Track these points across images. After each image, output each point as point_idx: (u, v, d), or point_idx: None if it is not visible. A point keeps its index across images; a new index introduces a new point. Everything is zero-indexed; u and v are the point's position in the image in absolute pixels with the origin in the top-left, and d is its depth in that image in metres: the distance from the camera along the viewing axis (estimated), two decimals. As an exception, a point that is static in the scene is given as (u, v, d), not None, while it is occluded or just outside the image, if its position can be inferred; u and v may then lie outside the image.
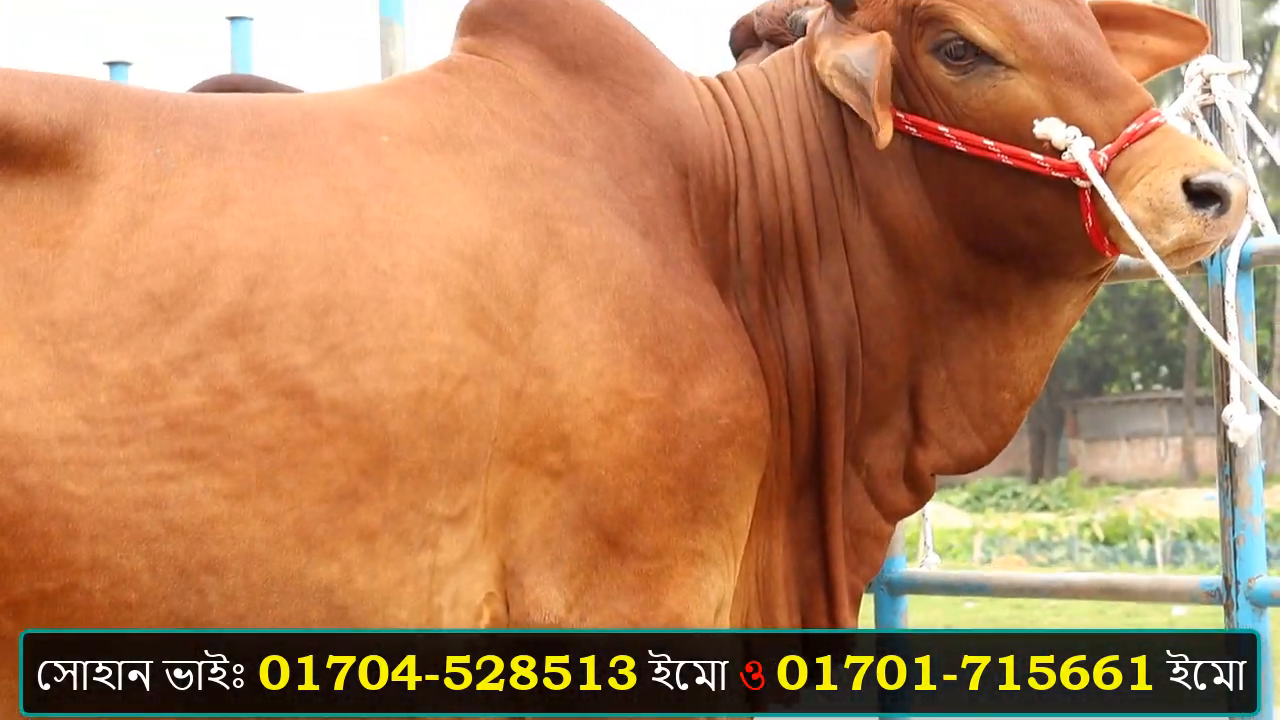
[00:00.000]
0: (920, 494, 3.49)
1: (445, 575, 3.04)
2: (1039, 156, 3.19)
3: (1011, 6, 3.23)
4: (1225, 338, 3.54)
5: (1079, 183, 3.17)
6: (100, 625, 2.85)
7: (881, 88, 3.18)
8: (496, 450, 3.05)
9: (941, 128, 3.26)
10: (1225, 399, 3.57)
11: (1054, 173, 3.19)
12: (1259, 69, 54.11)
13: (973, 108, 3.25)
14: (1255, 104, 51.39)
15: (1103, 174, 3.14)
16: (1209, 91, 3.64)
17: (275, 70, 4.77)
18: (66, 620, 2.83)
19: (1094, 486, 45.48)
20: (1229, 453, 3.68)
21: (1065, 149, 3.16)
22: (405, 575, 3.01)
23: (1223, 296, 3.60)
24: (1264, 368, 50.98)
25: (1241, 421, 3.52)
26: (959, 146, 3.25)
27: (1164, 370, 57.07)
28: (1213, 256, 3.62)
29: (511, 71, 3.33)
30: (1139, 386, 57.97)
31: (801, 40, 3.50)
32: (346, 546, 2.95)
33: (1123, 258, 3.43)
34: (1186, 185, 3.11)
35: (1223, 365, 3.58)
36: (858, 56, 3.22)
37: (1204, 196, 3.10)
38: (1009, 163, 3.22)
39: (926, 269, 3.35)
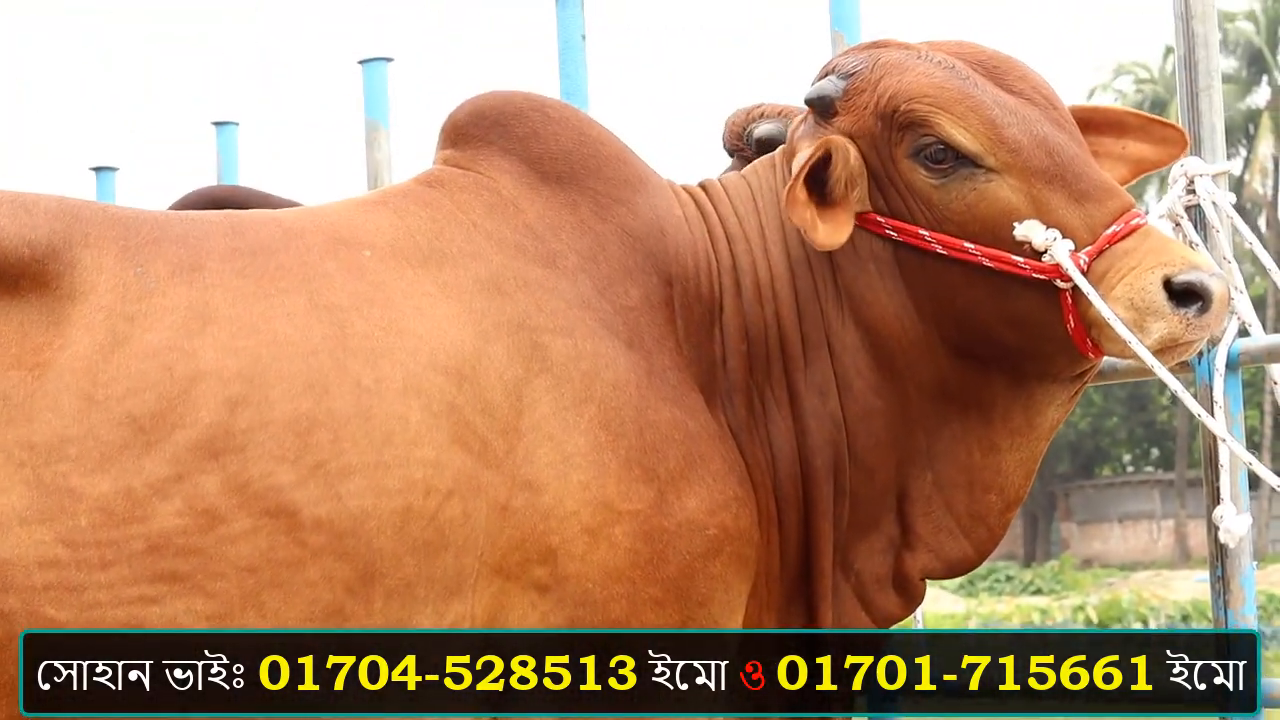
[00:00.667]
0: (910, 599, 3.46)
1: None
2: (1020, 259, 3.20)
3: (991, 110, 3.24)
4: (1217, 441, 3.53)
5: (1060, 284, 3.18)
6: None
7: (815, 190, 3.22)
8: (483, 565, 3.03)
9: (922, 231, 3.27)
10: (1216, 499, 3.54)
11: (1035, 274, 3.19)
12: (1243, 151, 54.52)
13: (953, 210, 3.25)
14: (1240, 185, 51.76)
15: (1084, 275, 3.14)
16: (1193, 192, 3.62)
17: (262, 173, 4.78)
18: None
19: (1087, 569, 45.49)
20: (1220, 554, 3.65)
21: (1046, 251, 3.17)
22: None
23: (1211, 396, 3.57)
24: (1254, 448, 51.23)
25: (1232, 523, 3.50)
26: (939, 250, 3.25)
27: (1155, 452, 57.21)
28: (1200, 356, 3.60)
29: (494, 183, 3.33)
30: (1130, 469, 58.10)
31: (783, 146, 3.50)
32: None
33: (1112, 359, 3.44)
34: (1168, 284, 3.11)
35: (1213, 464, 3.56)
36: (798, 159, 3.24)
37: (1185, 296, 3.11)
38: (990, 265, 3.22)
39: (911, 372, 3.34)
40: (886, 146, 3.29)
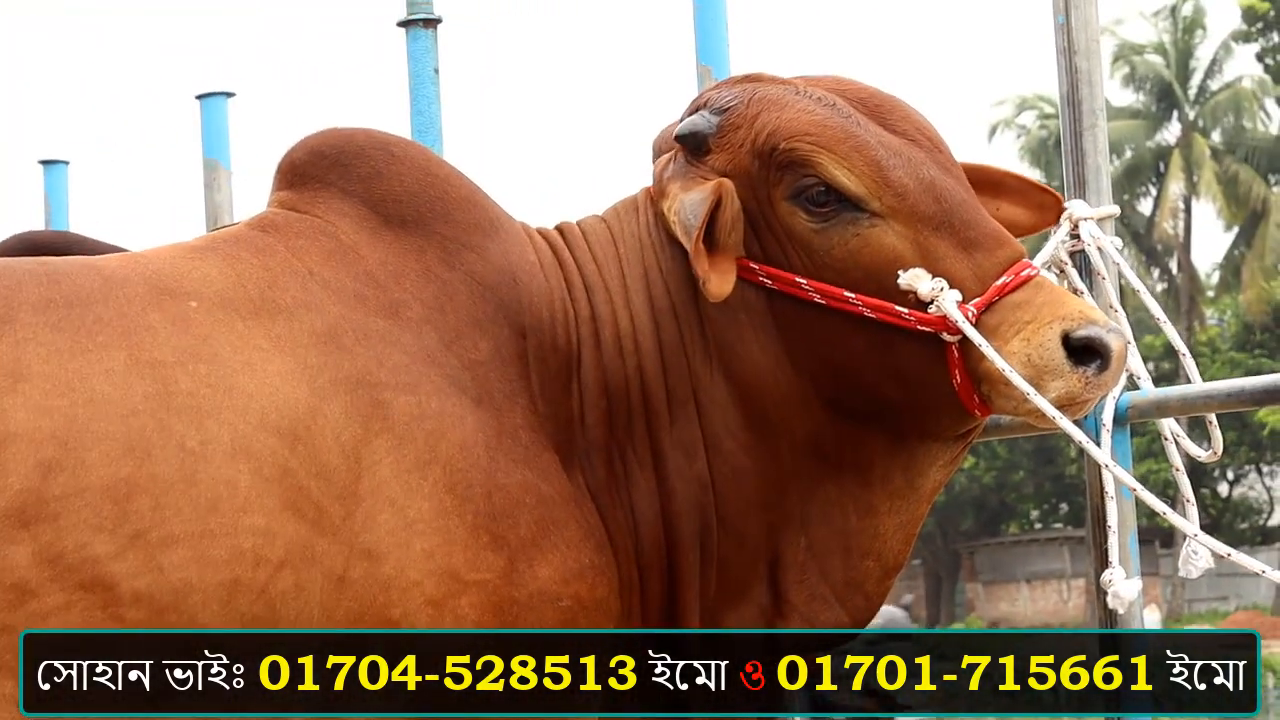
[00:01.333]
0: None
1: None
2: (904, 309, 3.20)
3: (876, 151, 3.25)
4: (1103, 498, 3.57)
5: (946, 337, 3.18)
6: None
7: (703, 237, 3.19)
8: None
9: (799, 279, 3.26)
10: (1104, 562, 3.59)
11: (920, 326, 3.19)
12: (1153, 190, 54.97)
13: (835, 257, 3.25)
14: (1151, 225, 52.28)
15: (974, 326, 3.15)
16: (1077, 237, 3.66)
17: (94, 215, 4.75)
18: None
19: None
20: (1109, 620, 3.69)
21: (932, 301, 3.17)
22: None
23: (1099, 454, 3.59)
24: (1169, 501, 51.49)
25: (1121, 586, 3.55)
26: (817, 299, 3.25)
27: (1064, 508, 57.54)
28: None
29: (333, 228, 3.31)
30: (1039, 525, 58.41)
31: (646, 186, 3.50)
32: None
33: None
34: (1066, 340, 3.14)
35: (1101, 524, 3.60)
36: (691, 203, 3.22)
37: (1083, 352, 3.14)
38: (871, 315, 3.22)
39: (785, 429, 3.33)
40: (764, 187, 3.29)
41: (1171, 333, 3.52)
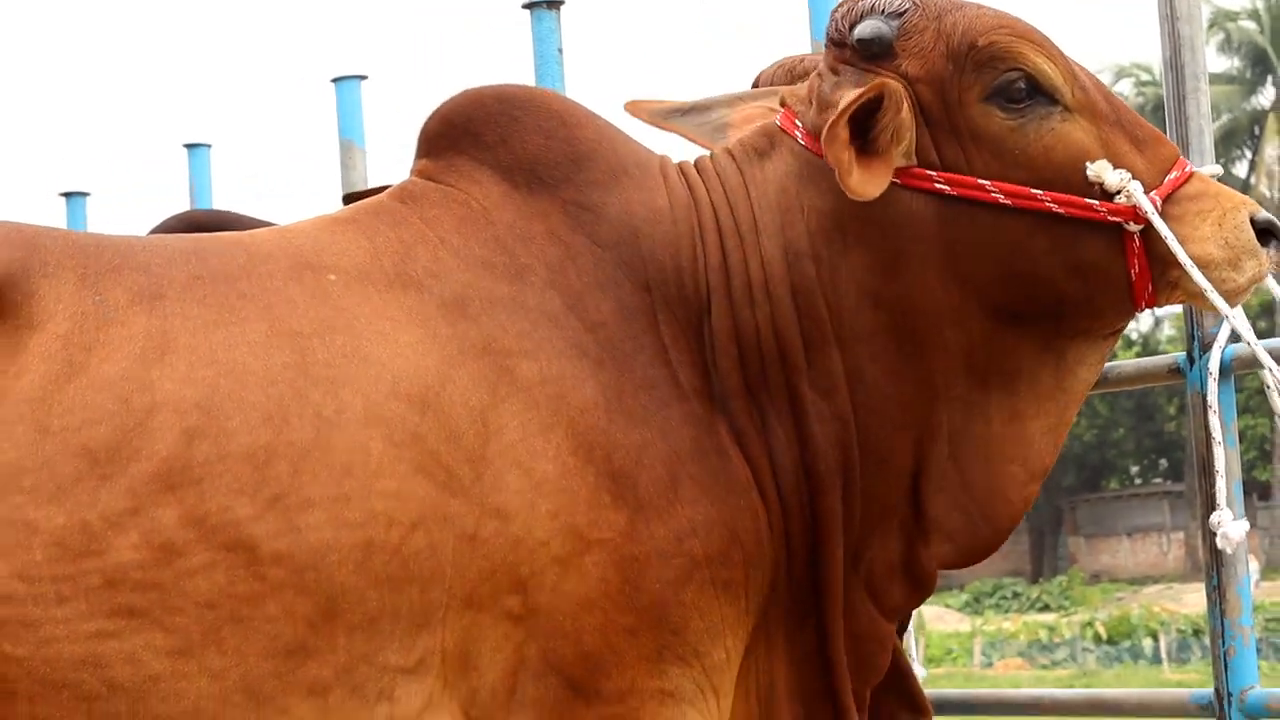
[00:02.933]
0: (921, 589, 3.39)
1: None
2: (1094, 201, 3.17)
3: (1058, 48, 3.24)
4: (1209, 446, 3.52)
5: (1130, 227, 3.16)
6: None
7: (856, 138, 3.11)
8: (452, 597, 3.01)
9: (982, 181, 3.20)
10: (1212, 505, 3.54)
11: (1110, 216, 3.16)
12: (1248, 154, 54.50)
13: (1029, 154, 3.18)
14: (1247, 189, 51.80)
15: (1160, 217, 3.15)
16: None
17: (235, 196, 4.80)
18: None
19: (1095, 584, 45.58)
20: (1216, 562, 3.68)
21: (1119, 192, 3.15)
22: None
23: (1204, 403, 3.58)
24: (1265, 457, 51.35)
25: (1230, 528, 3.47)
26: (1002, 199, 3.18)
27: (1163, 463, 57.31)
28: (1192, 363, 3.63)
29: (464, 195, 3.30)
30: (1138, 481, 58.13)
31: (780, 118, 3.40)
32: (297, 702, 2.92)
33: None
34: (1252, 222, 3.18)
35: (1208, 471, 3.58)
36: (846, 100, 3.14)
37: (1265, 234, 3.18)
38: (1059, 210, 3.17)
39: (938, 344, 3.27)
40: (955, 90, 3.20)
41: (1273, 284, 3.46)
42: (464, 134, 3.37)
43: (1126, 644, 29.46)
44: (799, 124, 3.34)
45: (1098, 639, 30.00)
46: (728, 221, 3.31)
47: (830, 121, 3.08)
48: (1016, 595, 42.39)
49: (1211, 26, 53.09)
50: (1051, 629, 31.09)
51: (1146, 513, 51.38)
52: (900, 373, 3.27)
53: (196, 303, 3.03)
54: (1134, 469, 59.14)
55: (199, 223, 4.22)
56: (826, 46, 3.34)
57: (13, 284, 2.95)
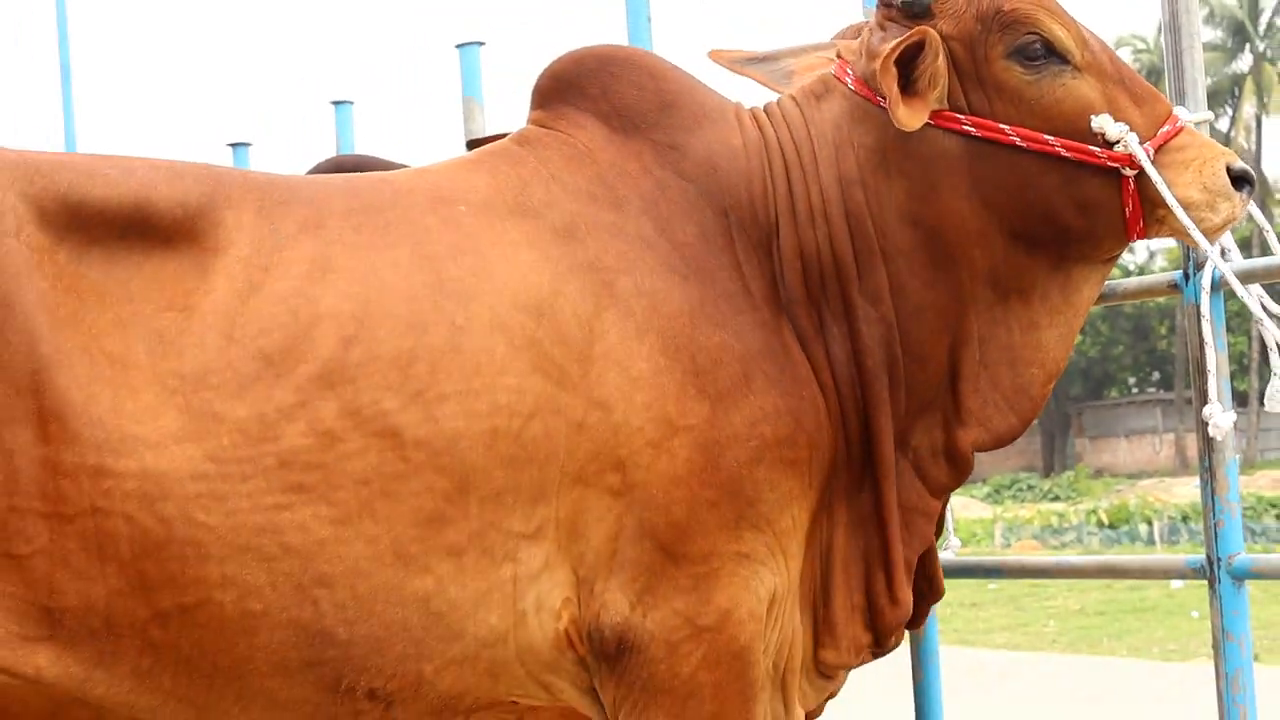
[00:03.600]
0: (961, 470, 3.41)
1: (527, 584, 3.03)
2: (1095, 148, 3.19)
3: (1072, 16, 3.25)
4: (1201, 349, 3.51)
5: (1126, 171, 3.18)
6: (232, 632, 2.86)
7: (900, 81, 3.15)
8: (564, 475, 3.03)
9: (1003, 125, 3.22)
10: (1204, 400, 3.52)
11: (1109, 162, 3.19)
12: (1229, 111, 54.17)
13: (1043, 105, 3.21)
14: (1228, 141, 51.40)
15: (1152, 164, 3.18)
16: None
17: (373, 145, 4.79)
18: (204, 628, 2.85)
19: (1098, 478, 45.34)
20: (1208, 448, 3.65)
21: (1118, 142, 3.17)
22: (491, 585, 3.00)
23: (1198, 313, 3.55)
24: (1243, 370, 50.97)
25: (1219, 419, 3.47)
26: (1019, 142, 3.21)
27: (1156, 375, 56.94)
28: (1188, 279, 3.61)
29: (571, 139, 3.32)
30: (1135, 390, 57.75)
31: (836, 67, 3.43)
32: (438, 562, 2.95)
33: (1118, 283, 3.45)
34: (1228, 170, 3.20)
35: (1201, 370, 3.55)
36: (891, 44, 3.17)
37: (1239, 181, 3.21)
38: (1066, 154, 3.20)
39: (967, 262, 3.28)
40: (982, 47, 3.22)
41: (1257, 213, 3.44)
42: (570, 88, 3.38)
43: (1125, 528, 29.29)
44: (849, 72, 3.36)
45: (1100, 524, 29.85)
46: (792, 156, 3.33)
47: (883, 57, 3.12)
48: (1031, 487, 42.22)
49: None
50: (1061, 516, 30.93)
51: (1141, 418, 51.05)
52: (935, 285, 3.28)
53: (351, 231, 3.06)
54: (1131, 380, 58.71)
55: (345, 165, 4.23)
56: (877, 6, 3.34)
57: (202, 214, 2.98)
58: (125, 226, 2.92)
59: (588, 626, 3.07)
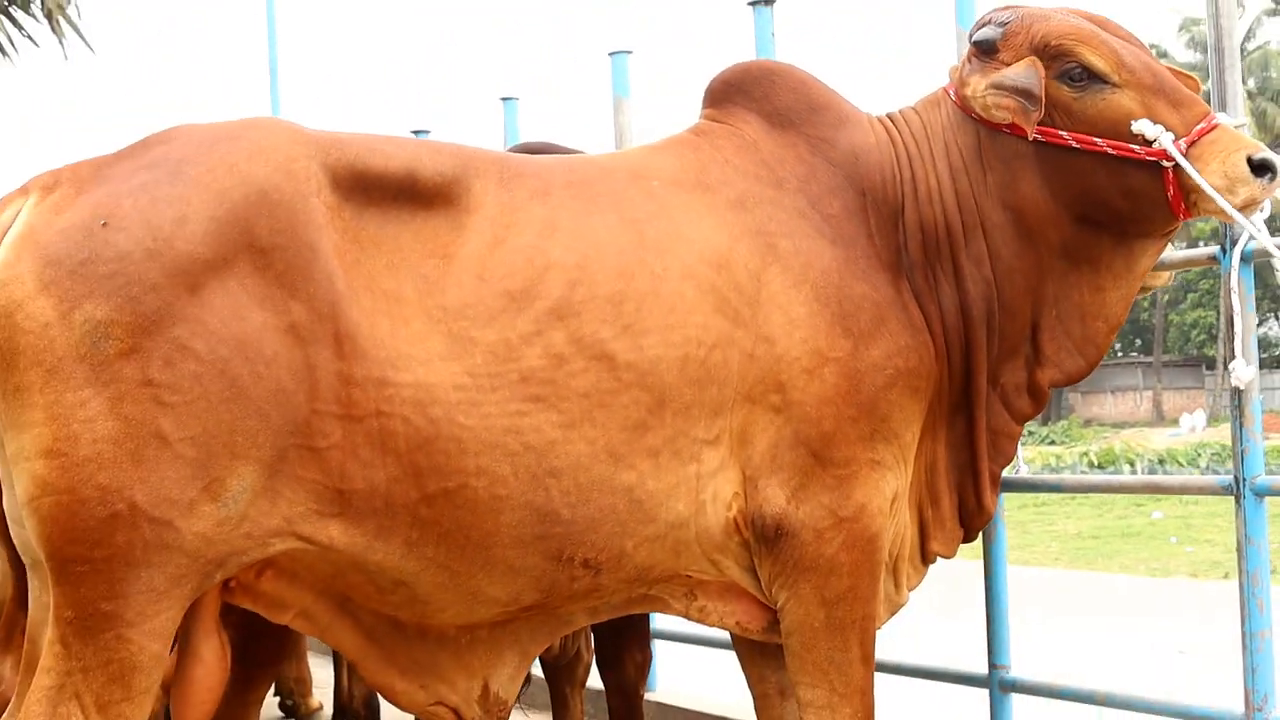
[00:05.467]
0: (1039, 402, 3.51)
1: (707, 480, 3.15)
2: (1136, 147, 3.26)
3: (1113, 43, 3.31)
4: (1233, 313, 3.57)
5: (1164, 164, 3.24)
6: (483, 512, 2.97)
7: (1039, 88, 3.25)
8: (737, 394, 3.15)
9: (1061, 132, 3.30)
10: (1233, 355, 3.56)
11: (1147, 157, 3.25)
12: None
13: (1088, 115, 3.29)
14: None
15: (1183, 156, 3.23)
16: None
17: (540, 135, 4.86)
18: (461, 508, 2.96)
19: (1088, 426, 44.87)
20: (1237, 392, 3.70)
21: (1155, 140, 3.24)
22: (680, 480, 3.12)
23: (1229, 284, 3.61)
24: (1211, 339, 50.18)
25: (1241, 371, 3.54)
26: (1074, 144, 3.30)
27: (1138, 341, 56.24)
28: (1225, 252, 3.65)
29: (739, 131, 3.42)
30: (1120, 354, 57.09)
31: (944, 87, 3.54)
32: (640, 460, 3.07)
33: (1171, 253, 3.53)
34: (1249, 161, 3.23)
35: (1230, 328, 3.58)
36: (1015, 72, 3.28)
37: (1260, 168, 3.23)
38: (1112, 152, 3.27)
39: (1044, 238, 3.38)
40: None
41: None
42: (738, 91, 3.49)
43: (1111, 469, 29.02)
44: (951, 91, 3.48)
45: (1090, 465, 29.58)
46: (914, 151, 3.44)
47: (1039, 94, 3.25)
48: (1032, 434, 41.77)
49: (1180, 30, 51.71)
50: (1058, 457, 30.67)
51: (1125, 377, 50.45)
52: (1022, 254, 3.39)
53: (571, 198, 3.18)
54: (1117, 345, 58.03)
55: (534, 149, 4.32)
56: (969, 46, 3.47)
57: (457, 182, 3.11)
58: (397, 191, 3.05)
59: (752, 515, 3.19)
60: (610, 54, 5.72)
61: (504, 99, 6.33)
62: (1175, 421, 42.07)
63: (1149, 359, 51.30)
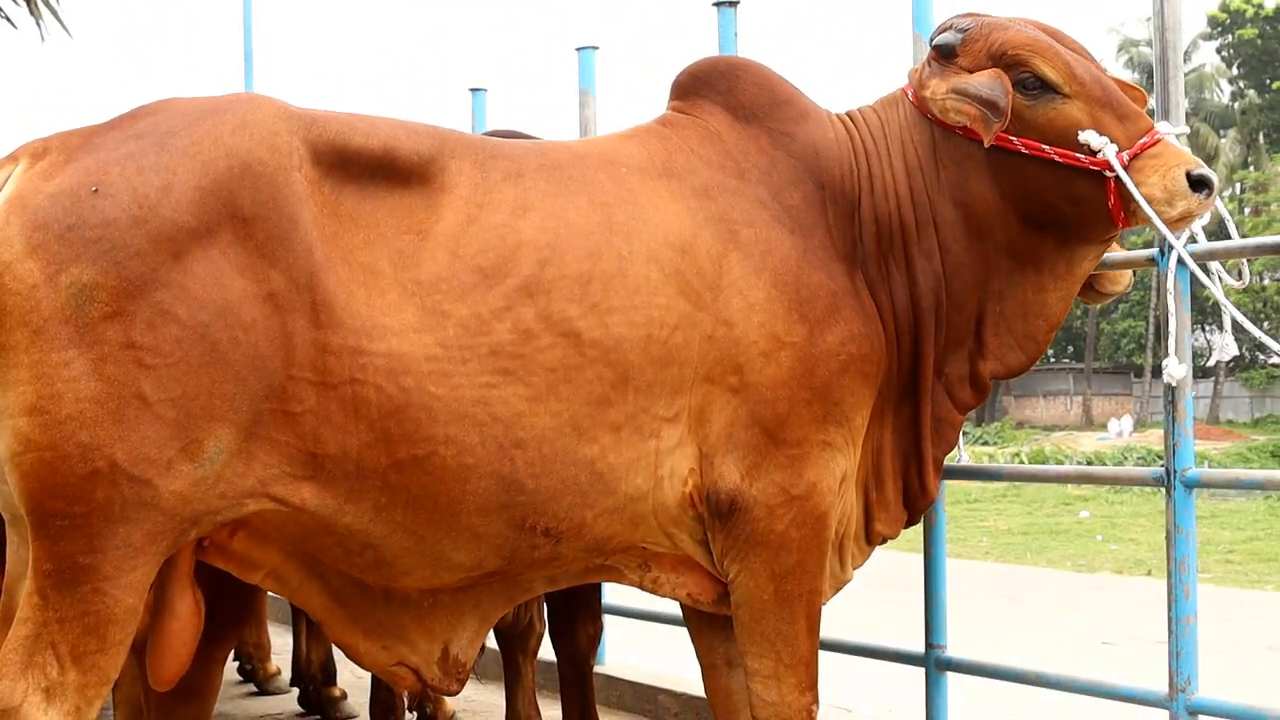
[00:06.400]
0: (981, 392, 3.56)
1: (665, 456, 3.18)
2: (1081, 156, 3.30)
3: (1066, 56, 3.35)
4: (1169, 314, 3.62)
5: (1107, 174, 3.29)
6: (450, 480, 2.98)
7: (1005, 101, 3.29)
8: (696, 374, 3.18)
9: (1012, 137, 3.34)
10: (1167, 353, 3.63)
11: (1090, 166, 3.30)
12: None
13: (1038, 124, 3.33)
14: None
15: (1124, 169, 3.27)
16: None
17: (507, 126, 4.87)
18: (429, 475, 2.97)
19: (1020, 429, 45.17)
20: (1170, 388, 3.75)
21: (1099, 151, 3.28)
22: (640, 455, 3.15)
23: (1164, 286, 3.67)
24: (1139, 349, 50.76)
25: (1174, 369, 3.61)
26: (1023, 150, 3.34)
27: (1070, 348, 56.69)
28: (1163, 254, 3.69)
29: (704, 123, 3.45)
30: (1052, 359, 57.52)
31: (902, 87, 3.58)
32: (602, 434, 3.09)
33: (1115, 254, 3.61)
34: (1188, 175, 3.27)
35: (1163, 328, 3.63)
36: (980, 82, 3.31)
37: (1198, 184, 3.28)
38: (1059, 160, 3.32)
39: (991, 236, 3.42)
40: None
41: (1220, 205, 3.57)
42: (704, 84, 3.51)
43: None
44: (909, 91, 3.51)
45: (1022, 464, 29.86)
46: (871, 148, 3.48)
47: (1005, 109, 3.28)
48: (966, 434, 41.45)
49: (1120, 50, 52.14)
50: (990, 457, 30.76)
51: (1056, 382, 50.84)
52: (970, 250, 3.43)
53: (543, 181, 3.19)
54: (1050, 350, 58.39)
55: (505, 135, 4.33)
56: (930, 49, 3.51)
57: (433, 161, 3.12)
58: (375, 168, 3.06)
59: (707, 491, 3.22)
60: (577, 49, 5.74)
61: (472, 90, 6.33)
62: (1104, 426, 42.40)
63: (1080, 365, 51.74)
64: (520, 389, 3.01)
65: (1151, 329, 47.92)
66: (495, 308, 3.02)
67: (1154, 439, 35.27)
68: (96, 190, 2.80)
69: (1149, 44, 53.19)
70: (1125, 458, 28.63)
